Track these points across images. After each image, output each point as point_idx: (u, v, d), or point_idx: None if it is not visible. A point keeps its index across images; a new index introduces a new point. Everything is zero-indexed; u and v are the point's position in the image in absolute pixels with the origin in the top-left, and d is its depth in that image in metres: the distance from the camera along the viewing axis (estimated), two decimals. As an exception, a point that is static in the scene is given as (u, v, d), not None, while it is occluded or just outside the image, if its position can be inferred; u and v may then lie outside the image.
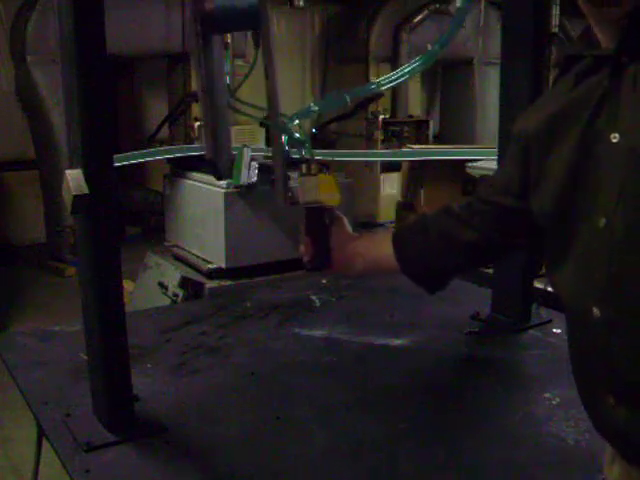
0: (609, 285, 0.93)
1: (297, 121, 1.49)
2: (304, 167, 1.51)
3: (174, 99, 7.59)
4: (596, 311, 0.95)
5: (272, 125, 1.50)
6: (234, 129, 7.13)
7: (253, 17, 1.49)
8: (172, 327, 2.00)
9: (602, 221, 0.92)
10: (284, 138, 1.49)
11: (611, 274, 0.92)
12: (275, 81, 1.47)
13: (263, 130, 7.09)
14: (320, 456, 1.36)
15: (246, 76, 1.56)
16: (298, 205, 1.50)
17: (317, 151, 1.60)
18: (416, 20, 8.01)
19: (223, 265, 2.96)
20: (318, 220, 1.51)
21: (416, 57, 1.55)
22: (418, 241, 1.39)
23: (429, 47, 1.54)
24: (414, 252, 1.40)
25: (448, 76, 9.15)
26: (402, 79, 1.54)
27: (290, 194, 1.50)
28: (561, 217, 1.01)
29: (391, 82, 1.55)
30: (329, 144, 7.09)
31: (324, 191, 1.50)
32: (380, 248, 1.45)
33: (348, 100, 1.56)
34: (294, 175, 1.51)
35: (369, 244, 1.53)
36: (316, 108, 1.52)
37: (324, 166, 1.54)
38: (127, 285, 3.41)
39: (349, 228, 1.54)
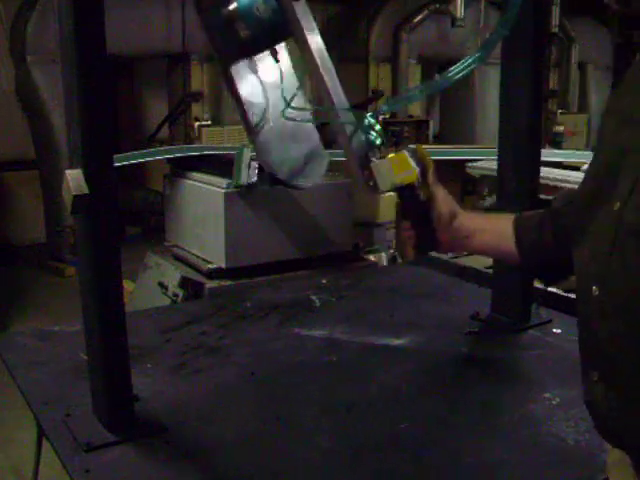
0: (606, 264, 0.97)
1: (385, 107, 1.45)
2: (376, 153, 1.44)
3: (174, 99, 7.60)
4: (595, 289, 0.99)
5: (332, 120, 1.46)
6: (235, 129, 7.15)
7: (283, 25, 1.49)
8: (172, 327, 2.00)
9: (617, 205, 0.96)
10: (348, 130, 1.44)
11: (611, 254, 0.96)
12: (322, 75, 1.47)
13: (263, 130, 7.08)
14: (320, 456, 1.36)
15: (301, 85, 1.56)
16: (379, 193, 1.43)
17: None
18: (416, 20, 8.03)
19: (223, 265, 2.95)
20: (413, 200, 1.42)
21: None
22: (534, 233, 1.37)
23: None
24: (531, 244, 1.38)
25: (448, 76, 9.13)
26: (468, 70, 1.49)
27: (370, 183, 1.43)
28: (589, 201, 1.06)
29: (458, 73, 1.50)
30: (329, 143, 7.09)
31: (399, 171, 1.42)
32: (498, 231, 1.41)
33: (421, 95, 1.52)
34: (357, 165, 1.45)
35: (482, 223, 1.46)
36: (385, 107, 1.49)
37: (397, 138, 1.48)
38: (127, 285, 3.41)
39: (449, 201, 1.44)
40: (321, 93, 1.50)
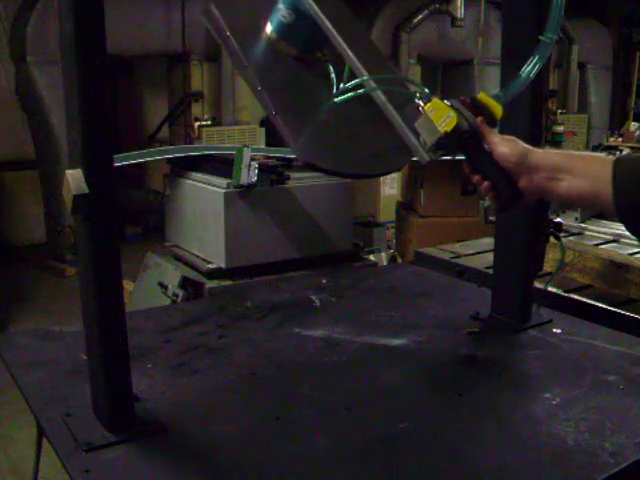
0: None
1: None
2: (419, 109, 1.39)
3: (174, 99, 7.61)
4: None
5: (375, 96, 1.44)
6: (235, 129, 7.15)
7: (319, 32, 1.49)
8: (172, 327, 2.00)
9: None
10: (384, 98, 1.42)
11: None
12: (349, 52, 1.51)
13: (263, 130, 7.10)
14: (320, 456, 1.36)
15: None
16: (432, 150, 1.36)
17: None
18: (416, 20, 8.02)
19: (223, 265, 2.96)
20: (472, 146, 1.33)
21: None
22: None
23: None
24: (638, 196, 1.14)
25: (448, 76, 9.15)
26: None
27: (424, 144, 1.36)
28: None
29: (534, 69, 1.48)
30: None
31: (439, 120, 1.33)
32: (591, 174, 1.19)
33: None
34: None
35: (567, 162, 1.24)
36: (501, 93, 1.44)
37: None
38: (127, 285, 3.41)
39: (512, 140, 1.31)
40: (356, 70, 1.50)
